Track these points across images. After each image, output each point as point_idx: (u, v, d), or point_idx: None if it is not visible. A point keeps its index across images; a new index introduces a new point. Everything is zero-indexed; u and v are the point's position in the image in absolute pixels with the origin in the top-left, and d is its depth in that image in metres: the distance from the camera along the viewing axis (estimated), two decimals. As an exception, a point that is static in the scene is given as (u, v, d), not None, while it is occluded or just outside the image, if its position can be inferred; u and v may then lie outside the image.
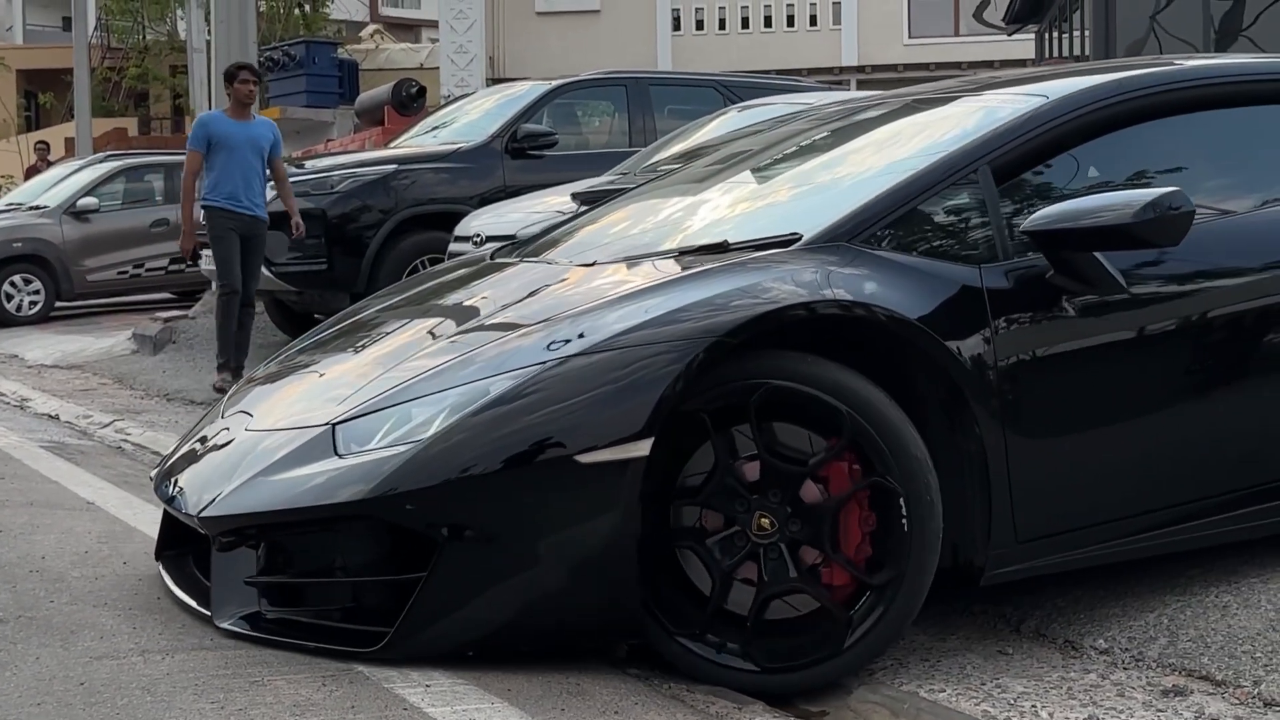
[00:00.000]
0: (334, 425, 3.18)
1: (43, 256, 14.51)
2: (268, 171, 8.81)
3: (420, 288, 4.29)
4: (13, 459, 5.71)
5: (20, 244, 14.49)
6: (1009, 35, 25.18)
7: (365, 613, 3.11)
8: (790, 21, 29.13)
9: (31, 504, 4.66)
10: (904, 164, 3.65)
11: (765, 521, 3.07)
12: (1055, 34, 21.02)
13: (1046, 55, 21.42)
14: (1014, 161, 3.55)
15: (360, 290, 9.15)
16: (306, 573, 3.20)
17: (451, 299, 4.00)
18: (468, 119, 10.94)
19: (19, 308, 14.37)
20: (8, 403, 8.24)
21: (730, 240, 3.54)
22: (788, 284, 3.14)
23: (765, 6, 29.17)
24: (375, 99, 17.57)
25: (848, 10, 28.64)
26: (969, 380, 3.19)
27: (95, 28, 32.89)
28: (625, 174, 8.55)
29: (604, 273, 3.58)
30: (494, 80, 25.91)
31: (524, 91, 10.82)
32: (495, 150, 9.96)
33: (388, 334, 3.77)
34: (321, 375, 3.62)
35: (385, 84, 17.98)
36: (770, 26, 29.12)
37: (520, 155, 9.96)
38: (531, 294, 3.57)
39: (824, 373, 3.08)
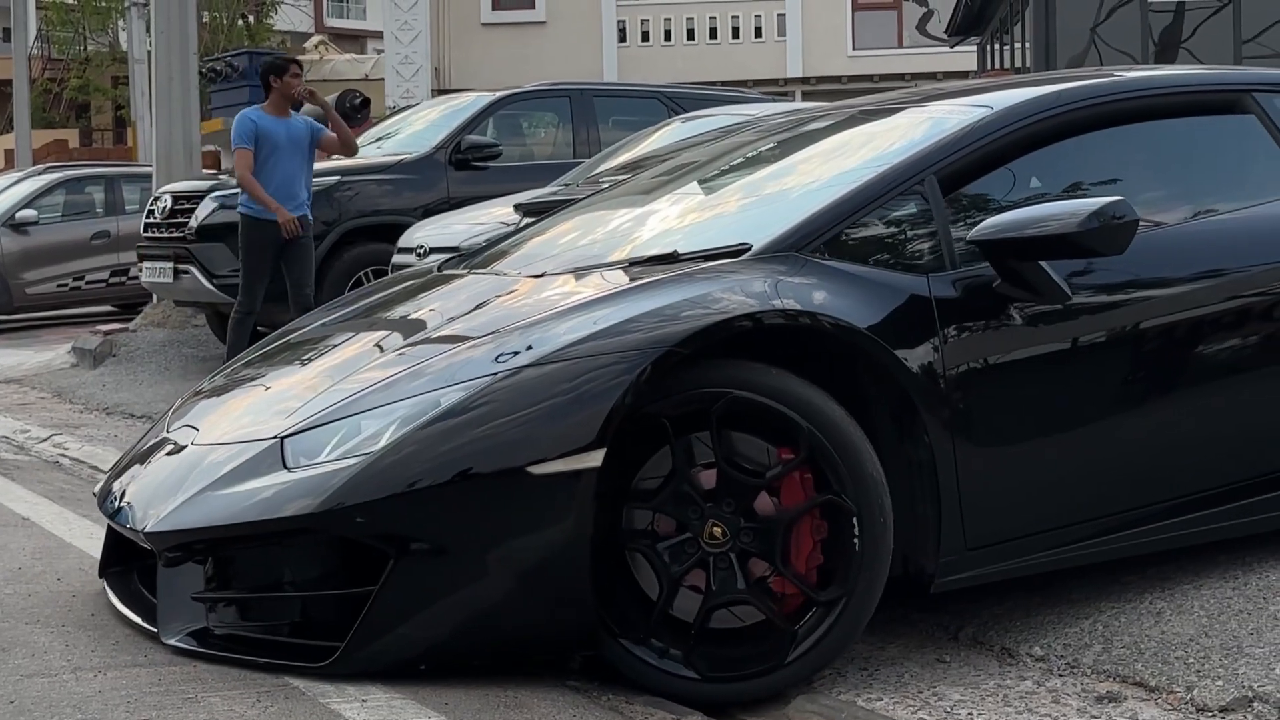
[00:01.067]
0: (282, 438, 3.15)
1: (-19, 269, 14.36)
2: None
3: (367, 300, 4.27)
4: (-53, 475, 5.64)
5: (-42, 257, 14.33)
6: (951, 47, 25.41)
7: (315, 627, 3.08)
8: (735, 33, 29.28)
9: (-35, 520, 4.60)
10: (851, 174, 3.66)
11: (718, 530, 3.07)
12: (996, 46, 21.22)
13: (988, 67, 21.61)
14: (960, 171, 3.57)
15: (303, 302, 9.10)
16: (255, 587, 3.17)
17: (399, 311, 3.98)
18: (412, 130, 10.92)
19: (-43, 321, 14.22)
20: (-56, 418, 8.13)
21: (680, 251, 3.55)
22: (737, 294, 3.14)
23: (710, 18, 29.30)
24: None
25: (792, 22, 28.82)
26: (919, 389, 3.21)
27: (36, 38, 32.56)
28: (569, 185, 8.56)
29: (553, 284, 3.58)
30: (439, 91, 25.86)
31: (468, 103, 10.81)
32: (439, 162, 9.94)
33: (335, 346, 3.74)
34: (268, 388, 3.60)
35: (330, 95, 17.89)
36: (716, 38, 29.25)
37: (464, 166, 9.94)
38: (479, 305, 3.55)
39: (786, 386, 3.08)
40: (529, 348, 3.07)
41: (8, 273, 14.51)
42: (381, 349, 3.53)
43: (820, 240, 3.38)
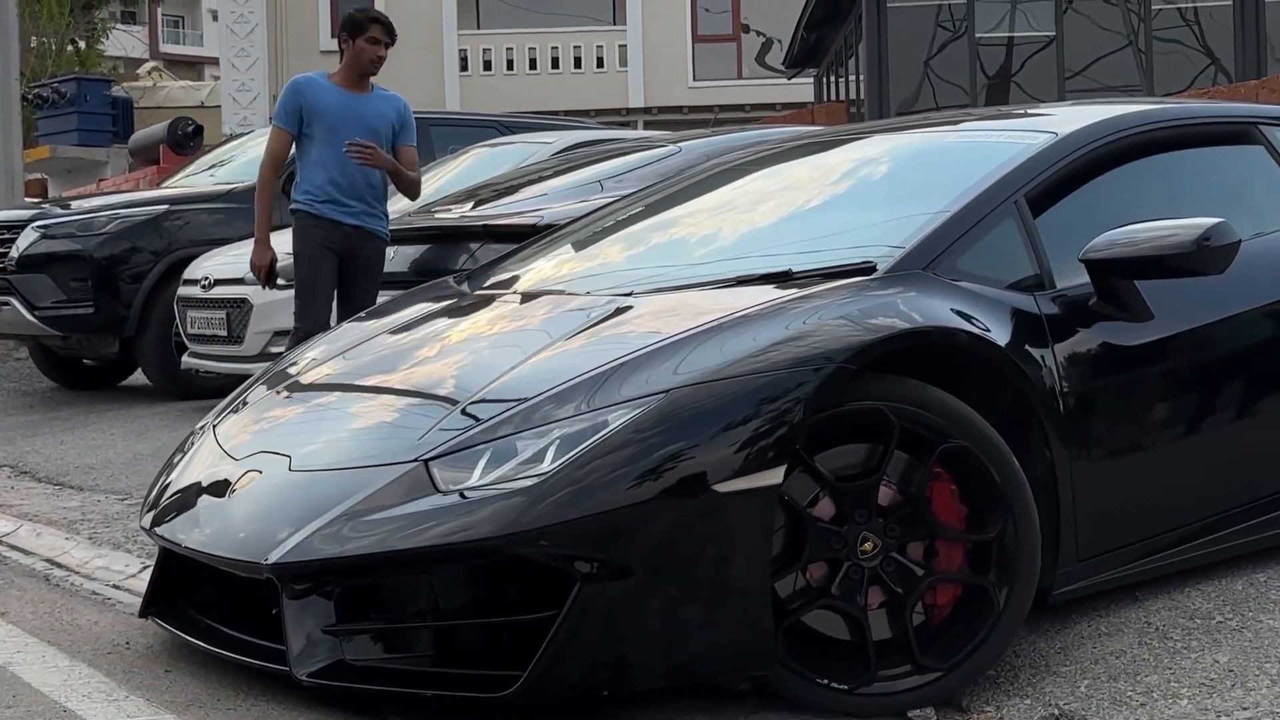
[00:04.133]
0: (425, 462, 3.08)
1: None
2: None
3: (392, 318, 4.13)
4: None
5: None
6: (789, 79, 25.83)
7: (457, 657, 3.02)
8: (578, 63, 29.40)
9: None
10: (942, 194, 3.71)
11: (869, 544, 3.09)
12: (832, 78, 21.63)
13: (824, 98, 22.00)
14: (1043, 193, 3.69)
15: (130, 334, 8.89)
16: (399, 618, 3.09)
17: (460, 330, 3.86)
18: (246, 158, 10.70)
19: None
20: None
21: (794, 269, 3.54)
22: (891, 311, 3.20)
23: (553, 48, 29.39)
24: (150, 137, 17.11)
25: (634, 53, 29.04)
26: (1041, 402, 3.30)
27: None
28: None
29: (658, 303, 3.54)
30: (278, 119, 25.46)
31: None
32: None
33: (405, 368, 3.64)
34: (352, 410, 3.52)
35: (162, 122, 17.53)
36: (558, 68, 29.34)
37: (301, 196, 9.77)
38: (589, 326, 3.46)
39: (947, 402, 3.13)
40: (691, 365, 3.06)
41: None
42: (485, 369, 3.40)
43: (939, 259, 3.46)
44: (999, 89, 18.44)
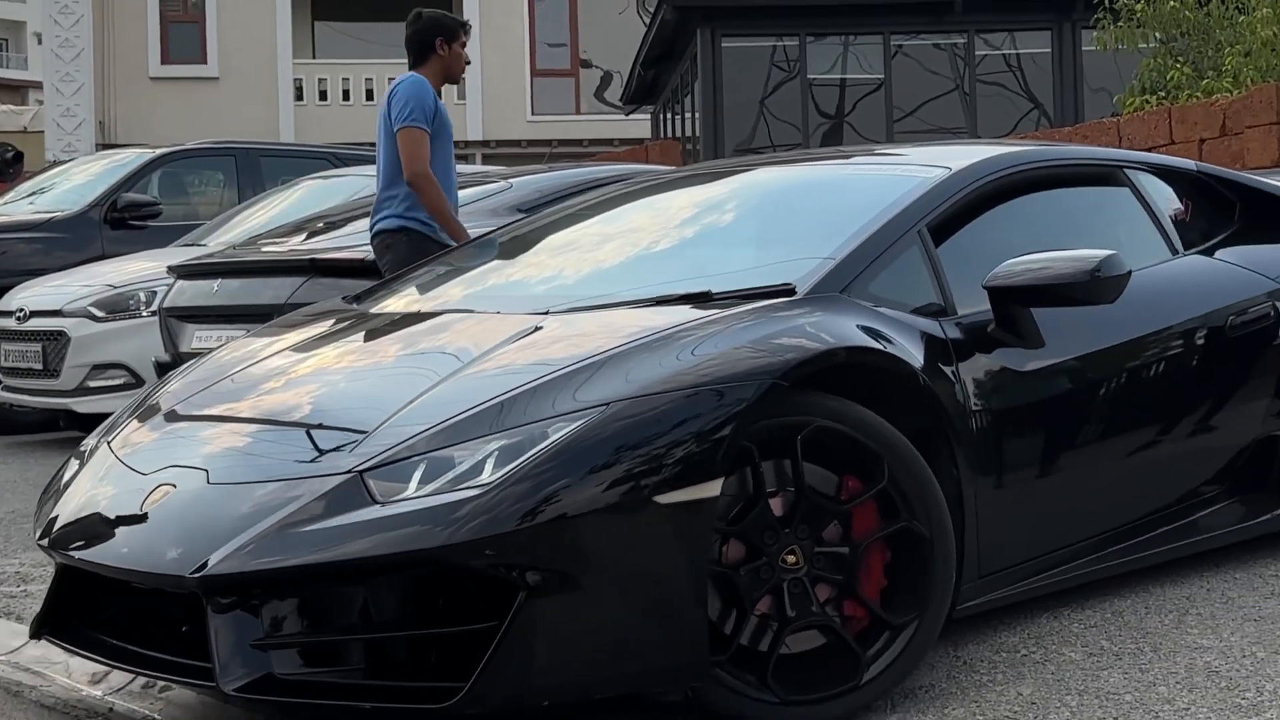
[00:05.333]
0: (361, 474, 3.03)
1: None
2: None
3: (291, 335, 4.02)
4: None
5: None
6: (626, 115, 26.04)
7: (388, 669, 2.97)
8: (415, 95, 29.23)
9: None
10: (847, 222, 3.80)
11: (791, 557, 3.14)
12: (669, 115, 21.85)
13: (661, 135, 22.21)
14: (941, 224, 3.82)
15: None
16: (335, 630, 3.02)
17: (372, 348, 3.80)
18: (67, 186, 10.48)
19: None
20: None
21: (713, 291, 3.58)
22: (820, 330, 3.29)
23: (389, 79, 29.12)
24: (-31, 163, 16.59)
25: (472, 86, 28.99)
26: (950, 422, 3.41)
27: None
28: (201, 244, 8.41)
29: (584, 323, 3.55)
30: (104, 146, 24.91)
31: (128, 159, 10.46)
32: (93, 219, 9.56)
33: (312, 386, 3.57)
34: (261, 423, 3.43)
35: (-19, 147, 16.99)
36: (395, 99, 29.13)
37: (121, 225, 9.59)
38: (510, 342, 3.45)
39: (864, 418, 3.20)
40: (626, 380, 3.08)
41: None
42: (405, 386, 3.36)
43: (854, 283, 3.56)
44: (833, 129, 18.85)
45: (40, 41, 29.24)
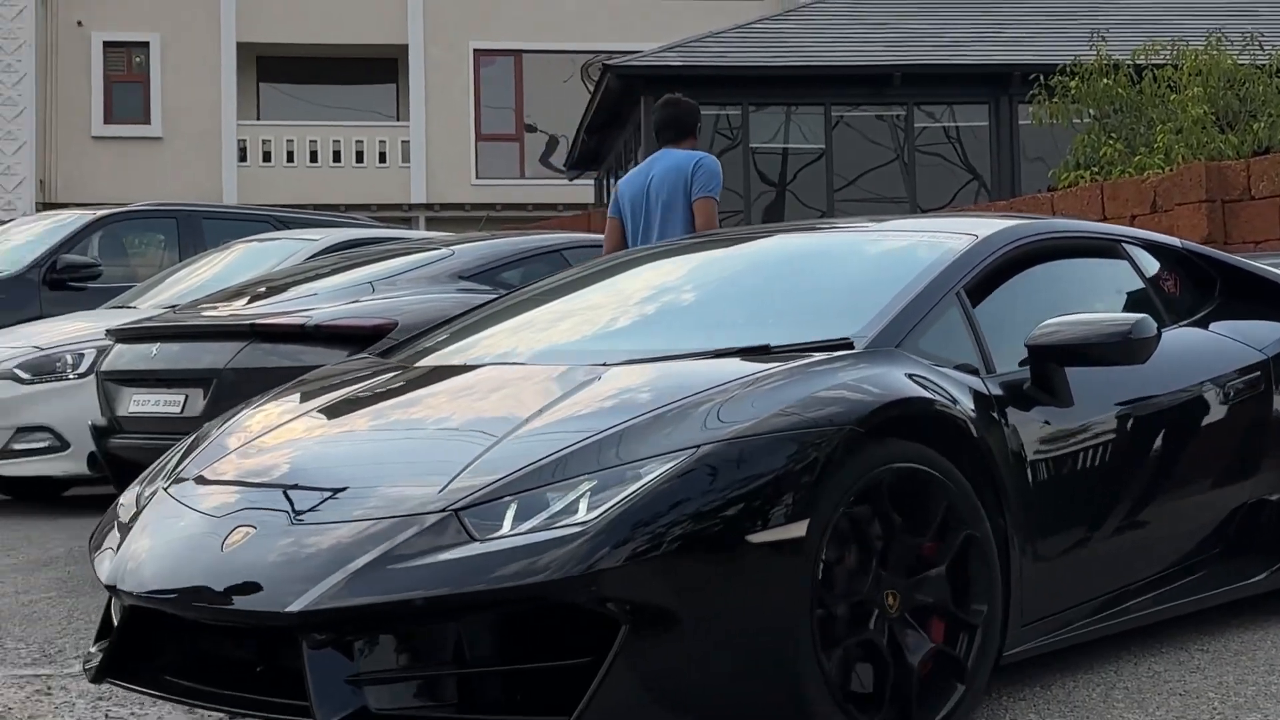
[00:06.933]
0: (456, 512, 3.10)
1: None
2: None
3: (338, 391, 4.01)
4: None
5: None
6: (570, 180, 26.18)
7: (480, 705, 3.01)
8: (360, 158, 29.29)
9: None
10: (891, 282, 3.94)
11: (892, 598, 3.25)
12: (613, 180, 22.01)
13: (605, 201, 22.35)
14: (974, 287, 3.98)
15: None
16: (430, 665, 3.06)
17: (437, 397, 3.84)
18: (7, 246, 10.41)
19: None
20: None
21: (771, 344, 3.68)
22: (887, 381, 3.41)
23: (334, 141, 29.22)
24: (-94, 220, 16.47)
25: (416, 149, 29.08)
26: (1001, 473, 3.53)
27: None
28: (131, 306, 8.36)
29: (647, 373, 3.61)
30: (45, 205, 24.76)
31: (68, 220, 10.41)
32: (32, 281, 9.51)
33: (385, 432, 3.68)
34: (347, 468, 3.47)
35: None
36: (339, 161, 29.17)
37: (60, 287, 9.54)
38: (575, 391, 3.52)
39: (944, 462, 3.35)
40: (721, 422, 3.19)
41: None
42: (479, 431, 3.44)
43: (907, 338, 3.68)
44: (775, 197, 19.05)
45: (-18, 99, 29.06)
